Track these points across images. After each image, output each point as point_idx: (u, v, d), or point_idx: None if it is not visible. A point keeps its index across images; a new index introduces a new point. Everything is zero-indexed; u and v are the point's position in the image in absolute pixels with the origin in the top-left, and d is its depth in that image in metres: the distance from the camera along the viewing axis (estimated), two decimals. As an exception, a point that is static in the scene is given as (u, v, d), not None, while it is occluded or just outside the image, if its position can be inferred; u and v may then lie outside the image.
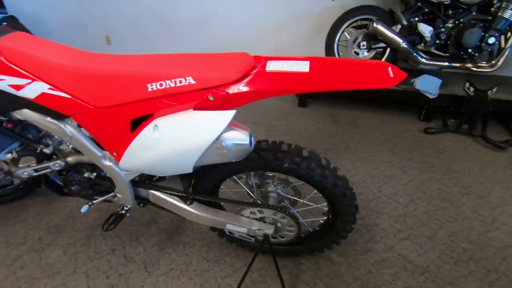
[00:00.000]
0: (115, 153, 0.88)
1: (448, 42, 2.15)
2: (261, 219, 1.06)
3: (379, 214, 1.59)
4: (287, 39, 2.98)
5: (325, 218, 1.16)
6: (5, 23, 2.84)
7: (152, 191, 1.05)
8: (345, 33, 2.41)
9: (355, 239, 1.45)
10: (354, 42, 2.36)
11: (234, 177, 1.06)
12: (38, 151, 0.99)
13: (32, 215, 1.55)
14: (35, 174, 1.01)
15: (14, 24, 2.90)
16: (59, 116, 0.85)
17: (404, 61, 2.50)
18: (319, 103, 2.79)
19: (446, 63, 2.21)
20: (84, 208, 1.08)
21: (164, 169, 0.83)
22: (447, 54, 2.20)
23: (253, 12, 2.88)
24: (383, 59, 2.37)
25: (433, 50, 2.20)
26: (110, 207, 1.58)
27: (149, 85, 0.74)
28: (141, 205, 1.14)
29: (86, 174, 1.04)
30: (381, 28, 2.13)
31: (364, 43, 2.30)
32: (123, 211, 1.09)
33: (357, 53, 2.38)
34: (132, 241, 1.41)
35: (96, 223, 1.50)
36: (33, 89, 0.80)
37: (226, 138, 0.73)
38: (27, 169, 1.00)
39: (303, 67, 0.69)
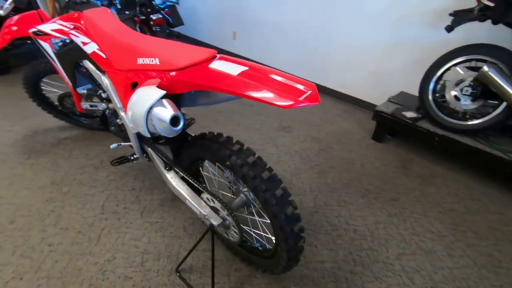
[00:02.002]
0: (124, 108, 1.15)
1: None
2: (214, 210, 1.13)
3: (376, 280, 1.34)
4: (388, 64, 2.70)
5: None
6: (167, 9, 3.76)
7: (149, 149, 1.28)
8: (452, 72, 2.00)
9: (327, 287, 1.29)
10: (457, 84, 1.94)
11: (207, 164, 1.16)
12: (98, 93, 1.39)
13: (108, 144, 2.09)
14: (89, 108, 1.42)
15: (172, 10, 3.81)
16: (100, 71, 1.18)
17: (530, 126, 1.88)
18: (398, 144, 2.43)
19: None
20: (113, 146, 1.42)
21: (136, 128, 1.02)
22: None
23: (359, 30, 2.76)
24: (494, 114, 1.85)
25: None
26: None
27: (138, 59, 0.94)
28: (147, 159, 1.39)
29: (117, 120, 1.37)
30: (492, 74, 1.68)
31: (469, 88, 1.86)
32: (131, 158, 1.38)
33: (457, 98, 1.95)
34: (148, 189, 1.72)
35: (137, 166, 1.89)
36: (90, 47, 1.14)
37: (154, 112, 0.85)
38: (86, 104, 1.42)
39: (236, 71, 0.73)
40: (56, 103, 1.98)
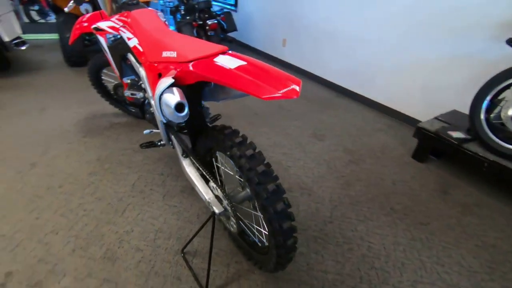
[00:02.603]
0: (153, 97, 1.29)
1: None
2: (218, 199, 1.19)
3: (380, 302, 1.25)
4: (442, 79, 2.48)
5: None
6: (223, 15, 4.02)
7: (172, 136, 1.40)
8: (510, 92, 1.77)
9: (323, 297, 1.25)
10: (516, 105, 1.70)
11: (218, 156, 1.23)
12: (138, 84, 1.57)
13: (150, 132, 2.31)
14: (130, 96, 1.61)
15: (227, 17, 4.05)
16: (139, 63, 1.34)
17: None
18: (442, 166, 2.21)
19: None
20: (146, 131, 1.59)
21: (158, 115, 1.13)
22: None
23: (410, 41, 2.58)
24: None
25: None
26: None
27: (163, 52, 1.06)
28: (171, 146, 1.52)
29: (151, 109, 1.53)
30: (559, 95, 1.44)
31: (530, 110, 1.62)
32: (158, 143, 1.52)
33: (515, 121, 1.71)
34: (174, 176, 1.86)
35: (169, 154, 2.06)
36: (133, 42, 1.31)
37: (163, 97, 0.94)
38: (128, 92, 1.62)
39: (234, 64, 0.78)
40: (112, 92, 2.27)
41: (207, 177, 1.18)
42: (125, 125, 2.39)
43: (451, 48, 2.36)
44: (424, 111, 2.68)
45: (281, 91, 0.66)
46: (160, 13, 1.48)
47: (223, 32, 4.10)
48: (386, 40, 2.85)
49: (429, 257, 1.47)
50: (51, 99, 2.76)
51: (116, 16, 1.44)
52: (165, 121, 1.06)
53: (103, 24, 1.46)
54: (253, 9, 4.68)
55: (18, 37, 2.88)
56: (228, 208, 1.13)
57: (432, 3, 2.41)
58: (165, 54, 1.05)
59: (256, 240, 1.28)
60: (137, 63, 1.36)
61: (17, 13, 3.15)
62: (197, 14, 3.85)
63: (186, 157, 1.33)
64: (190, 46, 1.00)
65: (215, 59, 0.87)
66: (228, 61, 0.83)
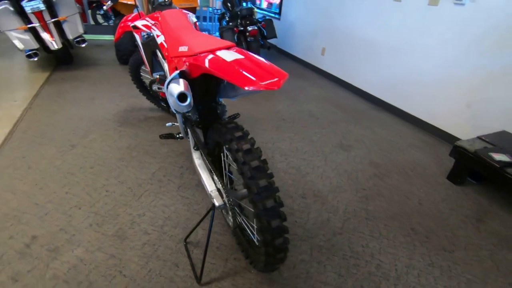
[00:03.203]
0: (173, 89, 1.37)
1: None
2: (220, 192, 1.21)
3: (379, 324, 1.16)
4: (489, 95, 2.23)
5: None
6: (263, 22, 4.10)
7: (189, 130, 1.47)
8: None
9: (317, 308, 1.19)
10: None
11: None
12: (165, 78, 1.67)
13: (178, 127, 2.44)
14: (157, 89, 1.73)
15: (268, 24, 4.12)
16: (164, 58, 1.43)
17: None
18: (481, 192, 1.98)
19: None
20: (168, 124, 1.69)
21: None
22: None
23: (456, 54, 2.37)
24: None
25: None
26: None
27: (179, 47, 1.12)
28: (188, 139, 1.60)
29: (174, 102, 1.63)
30: None
31: None
32: (177, 136, 1.60)
33: None
34: (192, 170, 1.94)
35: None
36: (160, 38, 1.41)
37: (169, 87, 0.98)
38: (155, 86, 1.74)
39: (231, 58, 0.80)
40: (148, 87, 2.45)
41: (211, 169, 1.21)
42: (157, 119, 2.56)
43: (501, 62, 2.13)
44: (467, 129, 2.44)
45: (263, 83, 0.67)
46: (190, 15, 1.57)
47: (263, 39, 4.18)
48: (430, 52, 2.66)
49: (446, 287, 1.32)
50: (100, 91, 3.07)
51: (149, 16, 1.57)
52: (174, 111, 1.12)
53: (139, 23, 1.60)
54: (295, 18, 4.71)
55: (80, 36, 3.26)
56: (227, 202, 1.14)
57: (483, 16, 2.21)
58: (181, 49, 1.12)
59: (254, 239, 1.27)
60: (162, 59, 1.47)
61: (82, 15, 3.57)
62: (239, 21, 3.99)
63: (196, 149, 1.38)
64: (200, 41, 1.05)
65: (216, 53, 0.91)
66: (227, 55, 0.86)
